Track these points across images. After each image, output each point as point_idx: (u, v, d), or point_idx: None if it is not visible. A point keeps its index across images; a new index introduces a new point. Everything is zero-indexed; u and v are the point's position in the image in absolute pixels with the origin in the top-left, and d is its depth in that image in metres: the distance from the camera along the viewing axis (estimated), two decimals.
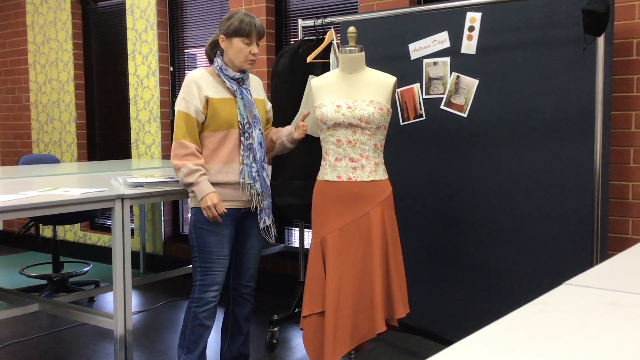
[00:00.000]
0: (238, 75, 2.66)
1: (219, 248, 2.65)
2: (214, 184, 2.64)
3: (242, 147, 2.64)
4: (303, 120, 2.76)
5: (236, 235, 2.79)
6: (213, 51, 2.74)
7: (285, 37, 4.52)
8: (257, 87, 2.82)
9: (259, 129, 2.70)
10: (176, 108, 2.64)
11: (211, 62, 2.76)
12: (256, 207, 2.74)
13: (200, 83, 2.62)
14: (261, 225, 2.75)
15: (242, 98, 2.66)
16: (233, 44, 2.62)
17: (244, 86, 2.69)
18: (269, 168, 2.81)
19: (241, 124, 2.64)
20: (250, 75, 2.81)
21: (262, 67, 4.48)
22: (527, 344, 0.92)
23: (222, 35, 2.65)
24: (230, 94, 2.66)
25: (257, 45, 2.67)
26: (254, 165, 2.66)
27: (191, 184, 2.59)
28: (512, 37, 2.95)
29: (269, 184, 2.75)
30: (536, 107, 2.91)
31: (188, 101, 2.60)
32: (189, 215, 2.75)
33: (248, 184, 2.65)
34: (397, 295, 2.60)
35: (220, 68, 2.66)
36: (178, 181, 3.01)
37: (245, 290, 2.85)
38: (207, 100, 2.61)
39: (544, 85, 2.88)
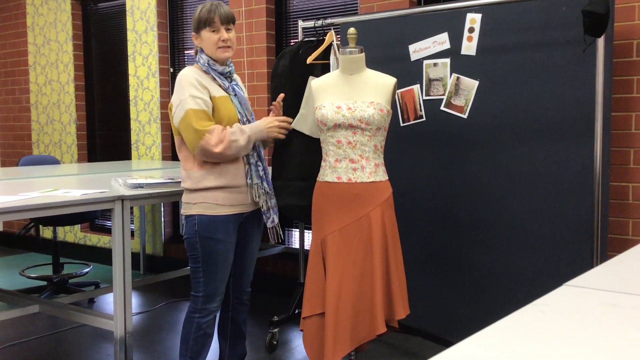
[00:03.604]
0: (226, 69, 2.55)
1: (226, 257, 2.55)
2: (217, 188, 2.50)
3: None
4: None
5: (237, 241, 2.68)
6: (195, 50, 2.64)
7: (285, 38, 4.52)
8: (240, 83, 2.72)
9: None
10: (184, 107, 2.41)
11: None
12: (259, 209, 2.65)
13: (201, 80, 2.48)
14: (269, 225, 2.65)
15: (236, 95, 2.56)
16: (203, 38, 2.51)
17: (233, 82, 2.59)
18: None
19: (241, 122, 2.53)
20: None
21: (262, 68, 4.48)
22: (527, 345, 0.92)
23: (193, 33, 2.54)
24: (223, 90, 2.54)
25: (228, 30, 2.51)
26: (259, 164, 2.59)
27: (248, 140, 2.47)
28: (512, 38, 2.95)
29: (269, 181, 2.67)
30: (536, 109, 2.91)
31: (196, 97, 2.41)
32: (189, 222, 2.53)
33: (256, 184, 2.57)
34: (397, 296, 2.60)
35: (208, 64, 2.52)
36: (178, 182, 3.00)
37: (244, 296, 2.80)
38: (211, 98, 2.48)
39: (544, 86, 2.88)
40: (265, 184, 2.60)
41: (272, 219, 2.65)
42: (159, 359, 3.34)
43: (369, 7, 3.93)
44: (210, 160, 2.47)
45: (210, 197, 2.51)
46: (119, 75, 5.59)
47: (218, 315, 2.84)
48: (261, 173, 2.59)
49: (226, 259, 2.56)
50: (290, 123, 2.68)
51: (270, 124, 2.56)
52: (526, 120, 2.93)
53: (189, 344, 2.59)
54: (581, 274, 1.34)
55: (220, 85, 2.53)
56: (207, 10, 2.48)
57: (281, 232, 2.71)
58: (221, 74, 2.54)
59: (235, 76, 2.71)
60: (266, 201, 2.62)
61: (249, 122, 2.57)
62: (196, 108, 2.40)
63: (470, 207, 3.12)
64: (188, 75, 2.46)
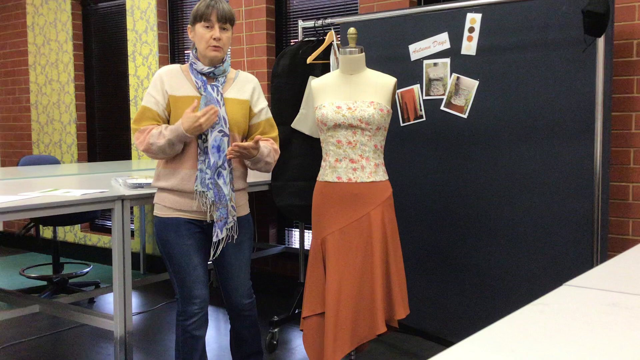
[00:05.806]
0: (207, 69, 2.41)
1: (186, 259, 2.43)
2: (167, 190, 2.44)
3: (199, 151, 2.39)
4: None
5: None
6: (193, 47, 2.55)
7: (285, 38, 4.52)
8: (242, 86, 2.51)
9: (220, 131, 2.39)
10: (142, 103, 2.45)
11: None
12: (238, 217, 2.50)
13: (165, 78, 2.42)
14: (213, 239, 2.43)
15: (205, 96, 2.39)
16: (196, 32, 2.40)
17: (214, 83, 2.44)
18: (238, 174, 2.53)
19: None
20: (244, 73, 2.56)
21: (262, 67, 4.48)
22: (527, 344, 0.92)
23: (189, 26, 2.44)
24: (196, 90, 2.42)
25: (224, 29, 2.40)
26: (207, 171, 2.38)
27: (170, 140, 2.32)
28: (512, 38, 2.95)
29: (227, 192, 2.42)
30: (536, 108, 2.91)
31: (149, 94, 2.41)
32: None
33: (200, 191, 2.39)
34: (397, 296, 2.60)
35: (191, 61, 2.44)
36: None
37: (239, 308, 2.60)
38: (169, 97, 2.40)
39: (544, 86, 2.88)
40: (210, 194, 2.39)
41: (217, 234, 2.43)
42: (159, 359, 3.34)
43: (369, 7, 3.93)
44: (152, 157, 2.46)
45: (161, 198, 2.47)
46: (119, 75, 5.59)
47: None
48: (207, 181, 2.39)
49: (188, 261, 2.43)
50: (216, 111, 2.35)
51: (190, 124, 2.30)
52: (526, 120, 2.93)
53: (179, 346, 2.54)
54: (581, 273, 1.34)
55: (194, 84, 2.44)
56: (206, 4, 2.39)
57: (218, 251, 2.48)
58: (200, 73, 2.43)
59: (242, 77, 2.54)
60: (212, 211, 2.41)
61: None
62: (146, 105, 2.42)
63: (470, 206, 3.12)
64: (157, 73, 2.46)
